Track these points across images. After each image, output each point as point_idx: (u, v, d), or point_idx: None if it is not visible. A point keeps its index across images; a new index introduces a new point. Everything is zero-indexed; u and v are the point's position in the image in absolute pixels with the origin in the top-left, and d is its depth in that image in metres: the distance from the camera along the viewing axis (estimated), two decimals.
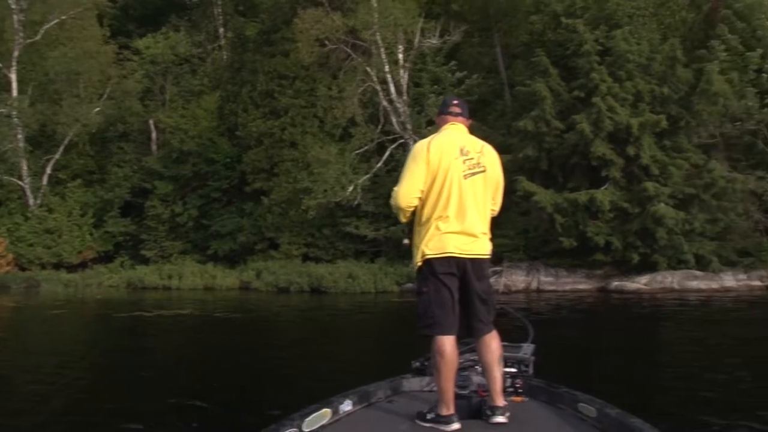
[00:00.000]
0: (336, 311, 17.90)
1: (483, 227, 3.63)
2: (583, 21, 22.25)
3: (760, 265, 20.02)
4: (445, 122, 3.75)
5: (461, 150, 3.60)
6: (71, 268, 30.23)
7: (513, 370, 4.14)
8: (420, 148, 3.61)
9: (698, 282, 19.63)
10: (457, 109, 3.77)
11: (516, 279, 21.32)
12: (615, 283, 20.31)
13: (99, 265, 30.21)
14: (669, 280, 19.82)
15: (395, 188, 3.62)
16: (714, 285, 19.45)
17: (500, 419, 3.46)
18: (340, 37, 23.10)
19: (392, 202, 3.64)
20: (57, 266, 30.18)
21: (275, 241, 26.95)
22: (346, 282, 22.71)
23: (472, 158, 3.61)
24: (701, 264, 19.88)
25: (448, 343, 3.47)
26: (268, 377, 8.63)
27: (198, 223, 29.27)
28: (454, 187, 3.53)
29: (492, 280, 20.31)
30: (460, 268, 3.54)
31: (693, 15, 24.51)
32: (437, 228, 3.53)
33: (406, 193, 3.55)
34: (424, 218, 3.58)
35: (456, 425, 3.42)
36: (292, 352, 10.81)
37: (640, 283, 19.97)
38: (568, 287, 20.86)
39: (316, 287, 23.14)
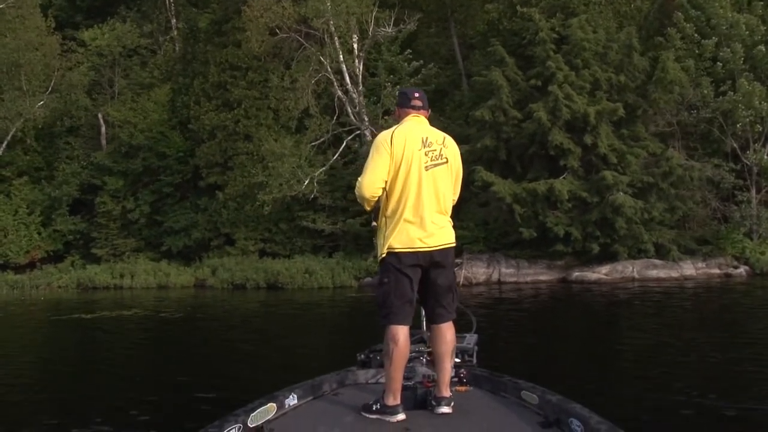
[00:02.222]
0: (291, 308, 17.38)
1: (446, 217, 3.68)
2: (538, 9, 22.04)
3: (718, 252, 20.08)
4: (406, 114, 3.75)
5: (423, 141, 3.60)
6: (19, 269, 29.07)
7: (457, 360, 4.15)
8: (383, 139, 3.61)
9: (658, 271, 19.61)
10: (418, 102, 3.76)
11: (477, 271, 21.02)
12: (576, 274, 20.17)
13: (48, 266, 29.04)
14: (629, 269, 19.76)
15: (359, 179, 3.62)
16: (674, 273, 19.45)
17: (445, 410, 3.51)
18: (291, 25, 22.43)
19: (356, 192, 3.65)
20: (3, 267, 28.98)
21: (231, 236, 26.29)
22: (303, 277, 22.16)
23: (434, 149, 3.62)
24: (661, 253, 19.84)
25: (401, 332, 3.53)
26: (210, 375, 8.38)
27: (151, 220, 28.41)
28: (417, 179, 3.54)
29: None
30: (426, 260, 3.57)
31: (648, 3, 24.51)
32: (403, 221, 3.55)
33: (370, 184, 3.56)
34: (389, 211, 3.60)
35: (401, 416, 3.46)
36: (240, 350, 10.55)
37: (601, 273, 19.86)
38: (529, 278, 20.67)
39: (272, 283, 22.55)
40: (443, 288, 3.65)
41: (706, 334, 10.54)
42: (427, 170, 3.57)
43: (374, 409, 3.52)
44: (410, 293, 3.57)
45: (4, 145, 29.90)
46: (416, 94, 3.77)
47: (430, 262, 3.59)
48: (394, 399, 3.49)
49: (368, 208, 3.72)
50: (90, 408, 6.83)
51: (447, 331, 3.65)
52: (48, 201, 30.29)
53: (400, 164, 3.53)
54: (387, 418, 3.46)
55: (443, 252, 3.62)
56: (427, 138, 3.62)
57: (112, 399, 7.27)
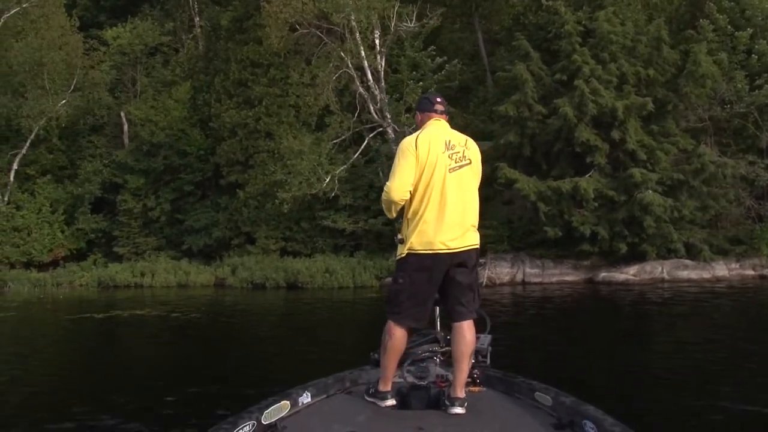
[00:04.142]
0: (310, 307, 17.04)
1: (471, 219, 3.73)
2: (564, 2, 21.42)
3: (752, 253, 19.29)
4: (429, 119, 3.87)
5: (447, 144, 3.71)
6: (42, 267, 29.10)
7: (471, 360, 4.10)
8: (408, 143, 3.71)
9: (689, 271, 18.90)
10: (440, 107, 3.89)
11: (500, 271, 20.50)
12: (603, 274, 19.55)
13: (71, 264, 29.06)
14: (659, 270, 19.08)
15: (387, 184, 3.71)
16: (705, 274, 18.73)
17: (458, 410, 3.54)
18: (311, 21, 22.07)
19: (385, 197, 3.73)
20: (27, 265, 29.07)
21: (252, 235, 26.03)
22: (323, 277, 21.76)
23: (458, 151, 3.72)
24: (692, 253, 19.12)
25: (399, 329, 3.72)
26: (223, 373, 8.32)
27: (172, 218, 28.29)
28: (441, 182, 3.63)
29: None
30: (447, 262, 3.63)
31: None
32: (424, 222, 3.62)
33: (399, 187, 3.65)
34: (411, 212, 3.68)
35: (390, 401, 3.71)
36: (255, 349, 10.44)
37: (629, 273, 19.22)
38: (554, 279, 20.11)
39: (292, 283, 22.21)
40: (464, 286, 3.69)
41: (742, 337, 10.02)
42: (451, 172, 3.65)
43: (370, 392, 3.79)
44: (421, 296, 3.68)
45: (27, 143, 29.97)
46: (438, 99, 3.91)
47: (450, 264, 3.64)
48: (384, 386, 3.75)
49: (393, 215, 3.81)
50: (90, 408, 6.71)
51: (467, 331, 3.69)
52: (71, 199, 30.31)
53: (425, 167, 3.62)
54: (378, 403, 3.70)
55: (465, 254, 3.68)
56: (450, 141, 3.73)
57: (117, 397, 7.13)
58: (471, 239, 3.70)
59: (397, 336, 3.70)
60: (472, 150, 3.79)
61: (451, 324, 3.76)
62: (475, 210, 3.78)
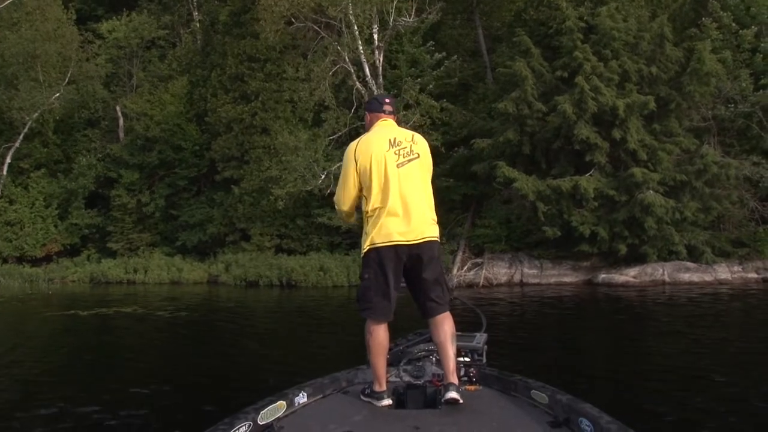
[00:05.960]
0: (302, 306, 16.73)
1: (427, 211, 3.77)
2: None
3: (755, 255, 18.85)
4: (377, 119, 3.94)
5: (391, 142, 3.76)
6: (36, 262, 28.86)
7: (467, 359, 4.19)
8: (349, 151, 3.79)
9: (690, 274, 18.47)
10: (389, 107, 3.97)
11: (498, 272, 20.09)
12: (602, 276, 19.15)
13: (65, 259, 28.82)
14: (659, 272, 18.65)
15: (335, 194, 3.88)
16: (707, 277, 18.30)
17: (453, 395, 3.50)
18: (307, 14, 21.65)
19: (336, 207, 3.91)
20: (20, 260, 28.81)
21: (247, 232, 25.68)
22: (317, 275, 21.39)
23: (404, 147, 3.78)
24: (693, 255, 18.69)
25: (378, 326, 3.73)
26: (218, 374, 8.20)
27: (166, 214, 27.98)
28: (391, 178, 3.68)
29: (472, 272, 19.41)
30: (405, 253, 3.66)
31: None
32: (383, 217, 3.66)
33: (345, 198, 3.80)
34: (370, 210, 3.73)
35: (387, 401, 3.66)
36: (249, 349, 10.32)
37: (629, 275, 18.81)
38: (552, 280, 19.71)
39: (286, 281, 21.85)
40: (430, 281, 3.71)
41: (746, 339, 9.81)
42: (399, 167, 3.70)
43: (366, 393, 3.75)
44: (388, 289, 3.67)
45: (21, 136, 29.59)
46: (387, 100, 4.00)
47: (409, 256, 3.66)
48: (379, 386, 3.70)
49: (350, 220, 3.96)
50: (82, 404, 6.58)
51: (444, 321, 3.71)
52: (65, 194, 29.99)
53: (371, 169, 3.67)
54: (375, 403, 3.66)
55: (424, 246, 3.68)
56: (395, 138, 3.78)
57: (109, 394, 7.06)
58: (430, 231, 3.74)
59: (378, 332, 3.71)
60: (419, 144, 3.84)
61: (428, 320, 3.78)
62: (431, 202, 3.82)
